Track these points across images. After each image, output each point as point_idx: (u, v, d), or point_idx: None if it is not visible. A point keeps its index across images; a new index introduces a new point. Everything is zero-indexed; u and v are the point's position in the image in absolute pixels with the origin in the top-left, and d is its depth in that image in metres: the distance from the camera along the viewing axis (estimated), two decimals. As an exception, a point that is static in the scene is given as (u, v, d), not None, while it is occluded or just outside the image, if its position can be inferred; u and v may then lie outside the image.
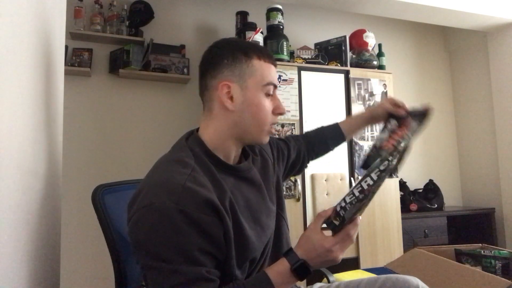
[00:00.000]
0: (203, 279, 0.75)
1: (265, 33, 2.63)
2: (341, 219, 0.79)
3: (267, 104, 0.90)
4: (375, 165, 0.77)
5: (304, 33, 3.17)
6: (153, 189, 0.78)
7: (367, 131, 2.67)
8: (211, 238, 0.77)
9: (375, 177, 0.76)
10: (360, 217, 0.81)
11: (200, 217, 0.75)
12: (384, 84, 2.76)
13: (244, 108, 0.88)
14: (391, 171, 0.77)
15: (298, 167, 1.22)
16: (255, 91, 0.88)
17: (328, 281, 1.31)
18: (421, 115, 1.10)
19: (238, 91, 0.88)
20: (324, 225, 0.81)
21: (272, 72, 0.91)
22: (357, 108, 2.67)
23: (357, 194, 0.77)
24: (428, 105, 1.11)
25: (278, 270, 0.80)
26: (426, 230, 2.84)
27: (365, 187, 0.76)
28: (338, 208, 0.80)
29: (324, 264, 0.81)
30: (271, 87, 0.90)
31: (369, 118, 1.22)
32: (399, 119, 1.12)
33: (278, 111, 0.92)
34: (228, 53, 0.90)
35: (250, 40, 2.44)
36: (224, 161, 0.89)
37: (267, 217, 0.94)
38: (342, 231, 0.79)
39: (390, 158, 0.76)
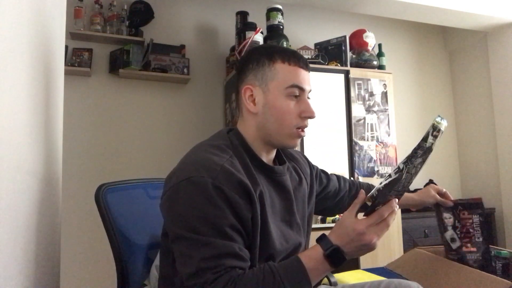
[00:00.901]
0: (235, 256, 0.76)
1: (265, 33, 2.62)
2: (373, 200, 0.75)
3: (290, 107, 0.89)
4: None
5: (304, 33, 3.17)
6: (192, 165, 0.82)
7: (367, 131, 2.67)
8: (240, 218, 0.79)
9: (410, 155, 0.73)
10: (397, 200, 0.76)
11: (233, 196, 0.78)
12: (384, 84, 2.76)
13: (266, 111, 0.90)
14: (428, 151, 0.73)
15: (331, 205, 1.21)
16: (277, 94, 0.89)
17: (330, 282, 1.31)
18: (473, 206, 1.23)
19: (260, 94, 0.91)
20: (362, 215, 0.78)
21: (298, 74, 0.90)
22: (357, 108, 2.66)
23: (393, 175, 0.74)
24: (476, 198, 1.26)
25: (311, 255, 0.77)
26: (426, 230, 2.84)
27: (401, 166, 0.73)
28: (374, 190, 0.76)
29: (359, 250, 0.76)
30: (295, 90, 0.89)
31: (419, 204, 1.29)
32: (450, 210, 1.25)
33: (304, 114, 0.90)
34: (253, 58, 0.93)
35: (250, 40, 2.44)
36: (260, 158, 0.92)
37: (291, 228, 0.94)
38: (375, 213, 0.75)
39: (428, 139, 0.72)
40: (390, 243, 2.60)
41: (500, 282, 1.06)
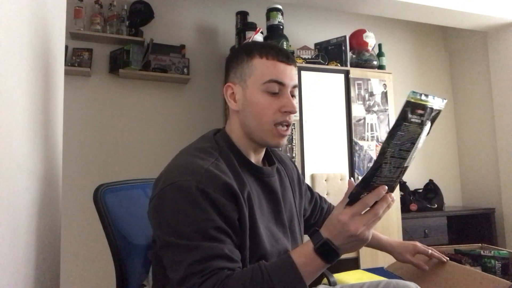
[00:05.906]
0: (223, 257, 0.74)
1: (265, 33, 2.63)
2: (356, 187, 0.70)
3: (268, 102, 0.87)
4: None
5: (304, 33, 3.17)
6: (177, 169, 0.81)
7: (367, 131, 2.67)
8: (226, 220, 0.78)
9: (387, 138, 0.67)
10: (387, 188, 0.70)
11: (218, 198, 0.77)
12: (384, 84, 2.76)
13: (246, 107, 0.89)
14: (415, 132, 0.67)
15: (317, 223, 1.20)
16: (254, 90, 0.88)
17: (329, 282, 1.31)
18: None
19: (240, 91, 0.90)
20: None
21: (276, 69, 0.87)
22: (357, 108, 2.66)
23: (376, 159, 0.68)
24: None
25: (302, 251, 0.74)
26: (426, 230, 2.84)
27: (381, 150, 0.68)
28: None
29: (351, 243, 0.71)
30: (274, 85, 0.87)
31: (387, 251, 1.27)
32: None
33: (284, 109, 0.87)
34: (234, 56, 0.93)
35: (250, 40, 2.44)
36: (247, 159, 0.91)
37: (280, 230, 0.93)
38: (359, 201, 0.70)
39: (409, 118, 0.66)
40: (390, 243, 2.60)
41: (500, 282, 1.06)
